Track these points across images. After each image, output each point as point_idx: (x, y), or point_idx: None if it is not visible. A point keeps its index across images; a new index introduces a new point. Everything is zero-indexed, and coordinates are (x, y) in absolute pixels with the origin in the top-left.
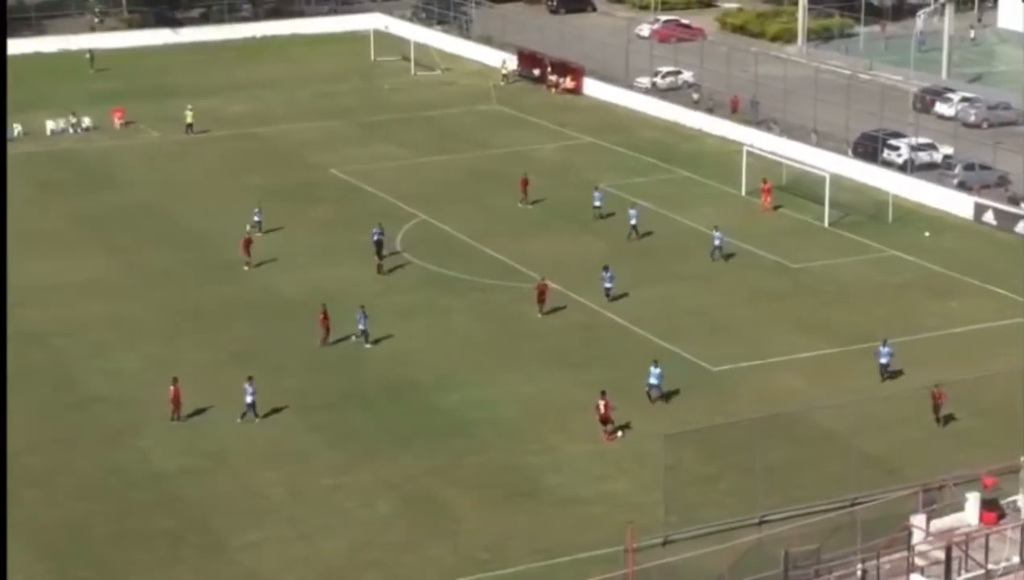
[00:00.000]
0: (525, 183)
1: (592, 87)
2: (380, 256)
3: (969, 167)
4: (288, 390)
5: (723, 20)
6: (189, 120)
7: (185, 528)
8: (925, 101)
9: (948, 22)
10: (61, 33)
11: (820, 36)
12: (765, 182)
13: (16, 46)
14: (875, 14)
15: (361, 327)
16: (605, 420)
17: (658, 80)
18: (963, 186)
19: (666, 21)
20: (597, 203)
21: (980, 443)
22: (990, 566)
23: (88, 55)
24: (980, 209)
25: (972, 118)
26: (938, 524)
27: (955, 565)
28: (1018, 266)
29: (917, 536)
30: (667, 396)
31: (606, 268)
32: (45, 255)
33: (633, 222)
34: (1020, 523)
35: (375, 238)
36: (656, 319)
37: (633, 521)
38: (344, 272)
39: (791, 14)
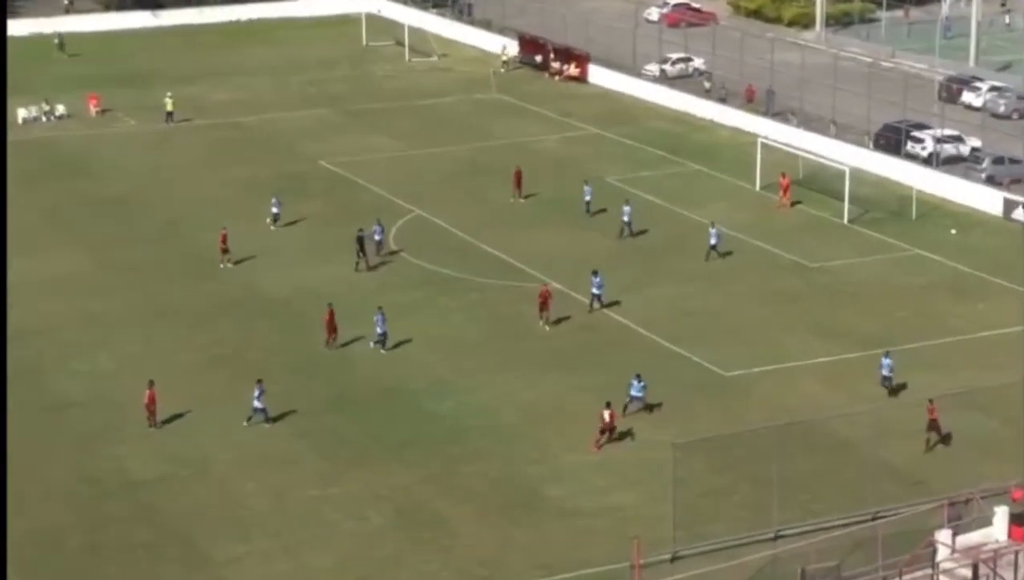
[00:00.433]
0: (518, 176)
1: (597, 74)
2: (361, 254)
3: (998, 160)
4: (272, 394)
5: (736, 4)
6: (169, 108)
7: (164, 541)
8: (951, 90)
9: (975, 7)
10: (33, 16)
11: (839, 21)
12: (783, 176)
13: None
14: None
15: (380, 330)
16: (605, 430)
17: (667, 67)
18: (991, 180)
19: (676, 5)
20: (587, 198)
21: (1009, 454)
22: None
23: (57, 39)
24: (1009, 205)
25: (1001, 108)
26: (964, 540)
27: None
28: None
29: (942, 552)
30: (650, 407)
31: (595, 273)
32: (15, 250)
33: (626, 219)
34: None
35: (377, 237)
36: (664, 321)
37: (639, 536)
38: (333, 270)
39: None
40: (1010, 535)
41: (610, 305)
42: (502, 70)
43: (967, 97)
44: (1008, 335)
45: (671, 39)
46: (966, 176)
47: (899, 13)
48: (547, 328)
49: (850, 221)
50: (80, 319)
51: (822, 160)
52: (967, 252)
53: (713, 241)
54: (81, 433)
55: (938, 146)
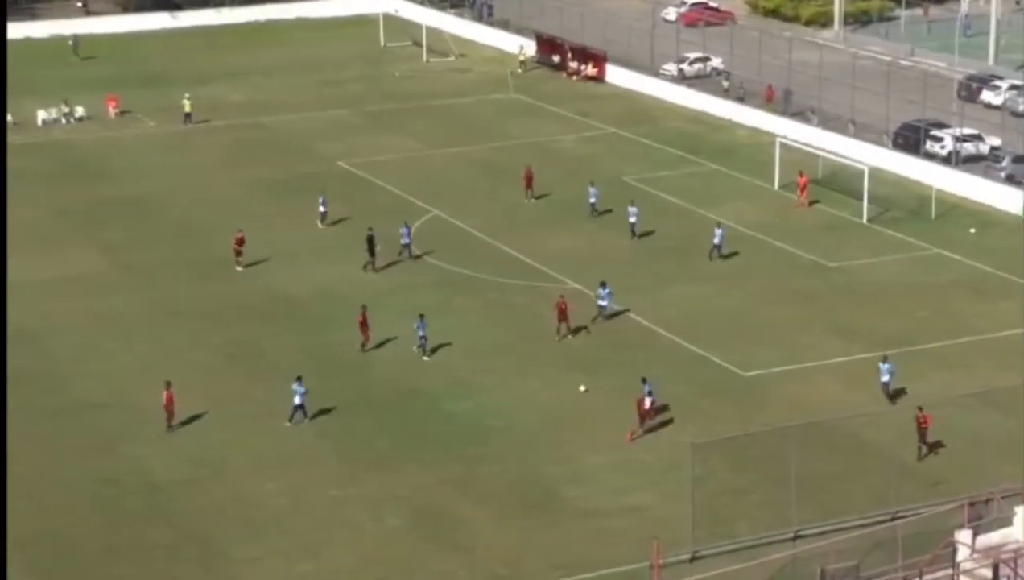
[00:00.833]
0: (529, 177)
1: (615, 74)
2: (371, 254)
3: (1018, 159)
4: (290, 394)
5: (754, 3)
6: (187, 109)
7: (182, 541)
8: (970, 89)
9: (995, 5)
10: (52, 18)
11: (858, 20)
12: (801, 175)
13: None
14: None
15: (421, 334)
16: (644, 417)
17: (685, 67)
18: (1011, 179)
19: (694, 4)
20: (592, 199)
21: None
22: None
23: (71, 41)
24: None
25: (1021, 107)
26: (984, 540)
27: None
28: None
29: (962, 553)
30: (661, 409)
31: (603, 284)
32: (33, 251)
33: (632, 221)
34: None
35: (404, 239)
36: (683, 321)
37: (659, 536)
38: (350, 270)
39: None
40: None
41: (619, 314)
42: (520, 70)
43: (986, 96)
44: None
45: (689, 39)
46: (985, 175)
47: (918, 11)
48: (570, 337)
49: (869, 220)
50: (97, 319)
51: (841, 159)
52: (986, 251)
53: (717, 241)
54: (99, 434)
55: (957, 145)
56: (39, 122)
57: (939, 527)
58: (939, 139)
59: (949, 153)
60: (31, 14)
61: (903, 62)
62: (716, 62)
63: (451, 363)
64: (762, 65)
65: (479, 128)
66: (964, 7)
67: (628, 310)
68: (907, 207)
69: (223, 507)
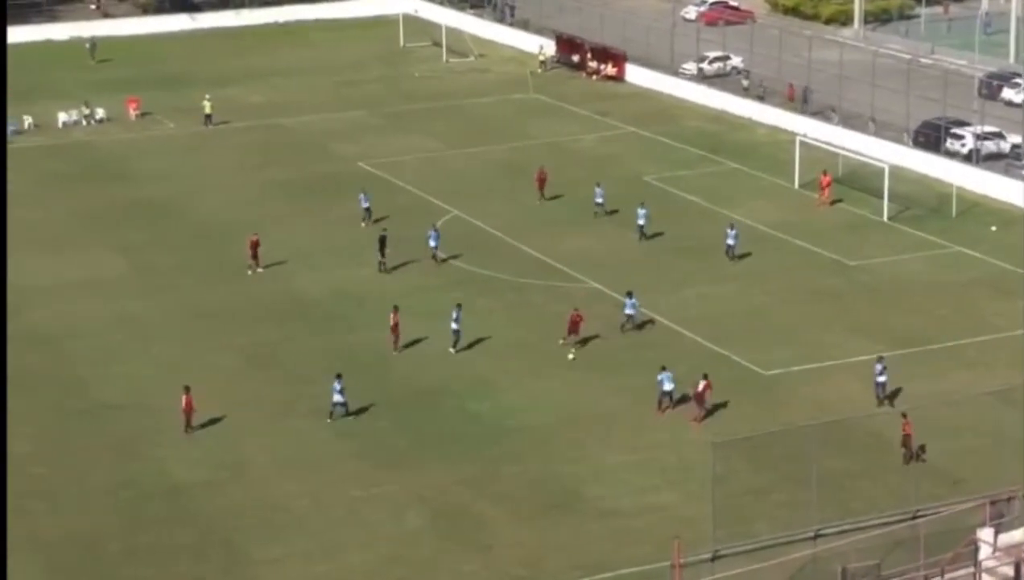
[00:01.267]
0: (542, 179)
1: (635, 74)
2: (382, 255)
3: None
4: (310, 396)
5: (774, 2)
6: (208, 111)
7: (204, 543)
8: (991, 87)
9: (1015, 2)
10: (72, 20)
11: (878, 18)
12: (825, 174)
13: (26, 33)
14: None
15: (455, 327)
16: (700, 401)
17: (705, 66)
18: None
19: (713, 3)
20: (599, 200)
21: None
22: None
23: (88, 45)
24: None
25: None
26: (1006, 538)
27: None
28: None
29: (984, 551)
30: (677, 403)
31: (630, 294)
32: (53, 253)
33: (641, 222)
34: None
35: (432, 242)
36: (703, 320)
37: (679, 535)
38: (370, 271)
39: None
40: None
41: (646, 324)
42: (539, 70)
43: (1007, 93)
44: None
45: (708, 37)
46: (1006, 173)
47: (938, 9)
48: (572, 352)
49: (890, 219)
50: (117, 322)
51: (861, 158)
52: (1007, 249)
53: (731, 241)
54: (119, 436)
55: (978, 143)
56: (60, 124)
57: (960, 525)
58: (960, 137)
59: (970, 151)
60: (51, 16)
61: (923, 60)
62: (736, 61)
63: (471, 363)
64: (782, 64)
65: (499, 128)
66: (984, 5)
67: (652, 321)
68: (928, 205)
69: (244, 508)
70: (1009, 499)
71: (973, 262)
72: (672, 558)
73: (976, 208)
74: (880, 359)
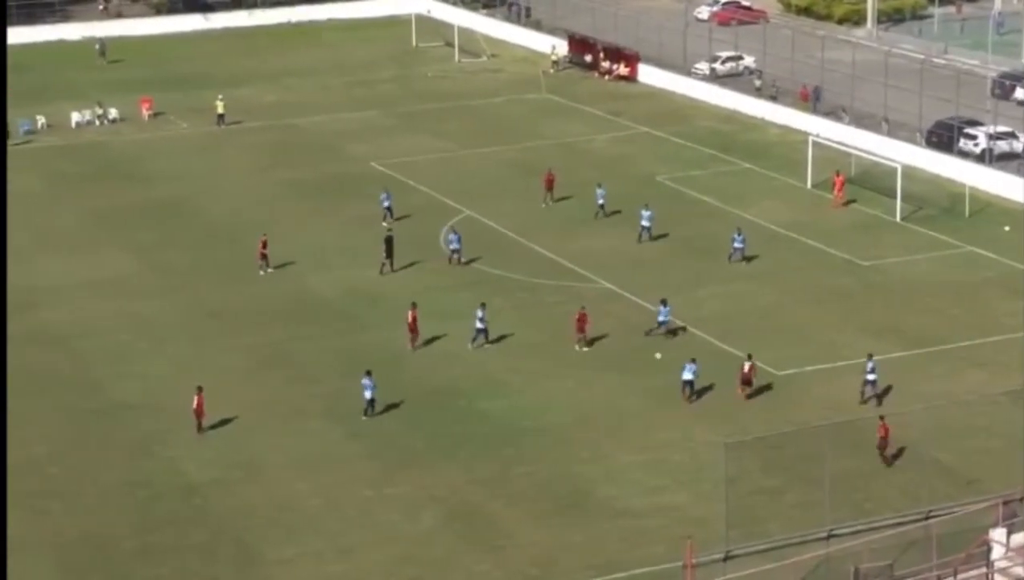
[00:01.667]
0: (550, 181)
1: (647, 74)
2: (388, 256)
3: None
4: (323, 395)
5: (787, 2)
6: (220, 111)
7: (217, 542)
8: (1004, 87)
9: None
10: (85, 20)
11: (891, 18)
12: (838, 174)
13: (39, 33)
14: None
15: (480, 326)
16: (746, 382)
17: (718, 66)
18: None
19: (726, 3)
20: (600, 201)
21: None
22: None
23: (97, 45)
24: None
25: None
26: (1019, 538)
27: None
28: None
29: (997, 551)
30: (700, 393)
31: (664, 302)
32: (66, 253)
33: (645, 224)
34: None
35: (454, 245)
36: (717, 320)
37: (692, 535)
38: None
39: None
40: None
41: (678, 331)
42: (552, 70)
43: (1020, 93)
44: None
45: (721, 37)
46: (1019, 173)
47: (951, 9)
48: (584, 349)
49: (902, 219)
50: (130, 322)
51: (874, 158)
52: (1020, 249)
53: (738, 245)
54: (133, 436)
55: (991, 143)
56: (73, 124)
57: (973, 526)
58: (972, 137)
59: (983, 151)
60: (64, 16)
61: (936, 60)
62: (748, 61)
63: (483, 363)
64: (795, 64)
65: (511, 128)
66: (997, 5)
67: (684, 328)
68: (940, 205)
69: (257, 508)
70: (1022, 499)
71: (986, 262)
72: (684, 558)
73: (989, 208)
74: (870, 357)
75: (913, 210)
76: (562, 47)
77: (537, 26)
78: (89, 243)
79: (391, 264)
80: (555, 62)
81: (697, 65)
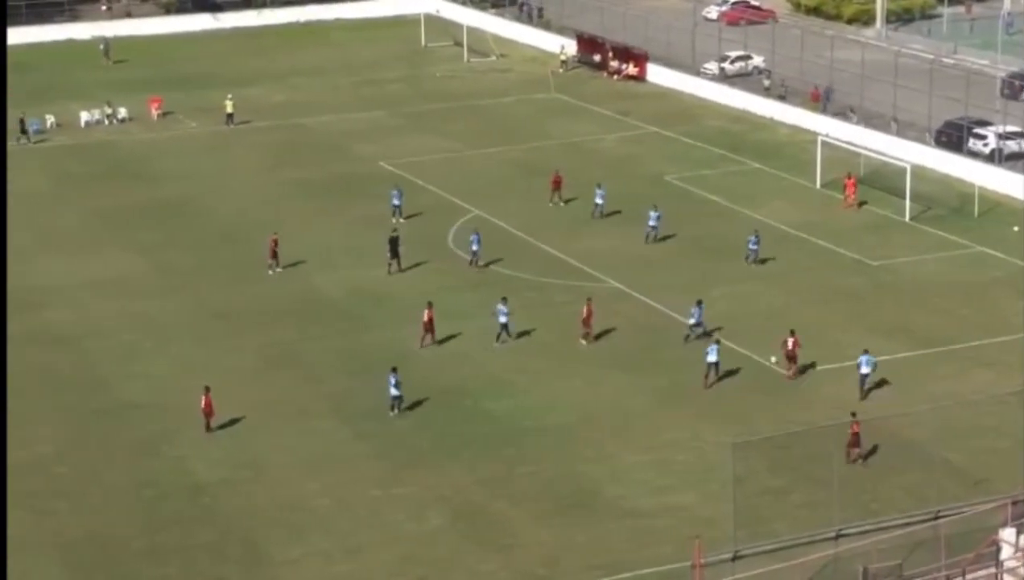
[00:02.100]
0: (557, 182)
1: (656, 73)
2: (394, 256)
3: None
4: (329, 395)
5: (796, 1)
6: (229, 110)
7: (224, 542)
8: (1013, 87)
9: None
10: (94, 19)
11: (900, 18)
12: (849, 177)
13: (49, 33)
14: None
15: (503, 321)
16: (791, 357)
17: (727, 65)
18: None
19: (735, 2)
20: (599, 201)
21: None
22: None
23: (101, 46)
24: None
25: None
26: None
27: None
28: None
29: (1006, 551)
30: (723, 376)
31: (699, 302)
32: (74, 253)
33: (653, 224)
34: None
35: (474, 246)
36: (725, 320)
37: (700, 535)
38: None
39: None
40: None
41: (709, 333)
42: (560, 70)
43: None
44: None
45: (730, 37)
46: None
47: (960, 9)
48: (586, 343)
49: (912, 219)
50: (137, 321)
51: (883, 158)
52: None
53: (752, 246)
54: (139, 436)
55: (1000, 143)
56: (82, 123)
57: (982, 526)
58: (982, 137)
59: (992, 151)
60: (73, 16)
61: (945, 60)
62: (758, 61)
63: (490, 363)
64: (804, 64)
65: (520, 128)
66: (1007, 5)
67: (720, 327)
68: (950, 205)
69: (264, 508)
70: None
71: (995, 262)
72: (692, 558)
73: (998, 208)
74: (865, 352)
75: (922, 210)
76: (571, 47)
77: (546, 26)
78: (96, 243)
79: (398, 264)
80: (564, 62)
81: (706, 65)
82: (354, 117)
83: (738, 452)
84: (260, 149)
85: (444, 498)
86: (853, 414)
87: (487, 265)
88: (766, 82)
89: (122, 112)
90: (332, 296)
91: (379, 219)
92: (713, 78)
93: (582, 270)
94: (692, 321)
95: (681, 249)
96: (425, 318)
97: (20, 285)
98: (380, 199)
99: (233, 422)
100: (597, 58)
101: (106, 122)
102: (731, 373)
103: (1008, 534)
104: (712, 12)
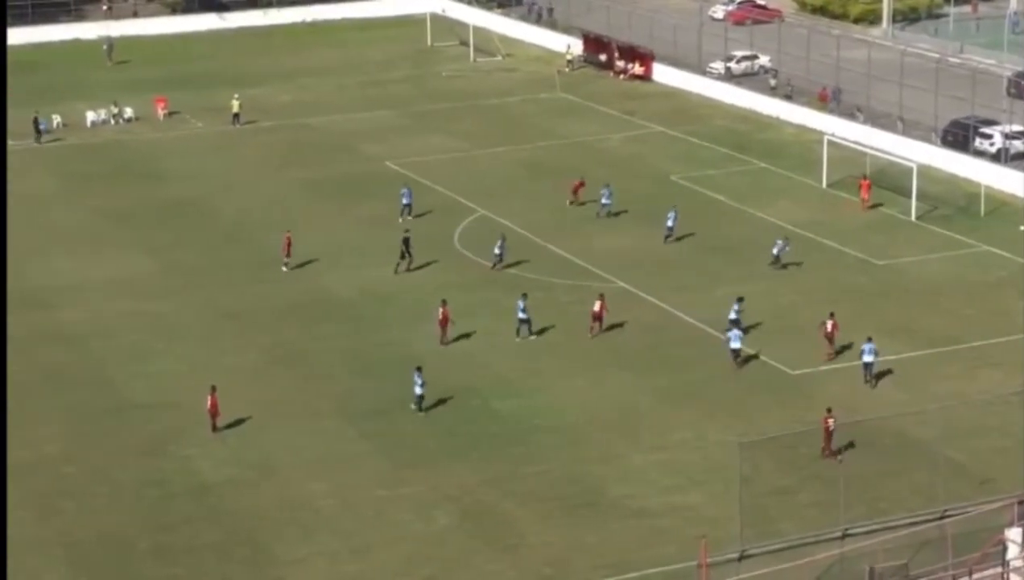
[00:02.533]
0: (577, 187)
1: (662, 73)
2: (406, 256)
3: None
4: (336, 394)
5: (802, 1)
6: (235, 110)
7: (231, 542)
8: (1020, 86)
9: None
10: (101, 19)
11: (906, 17)
12: (865, 178)
13: (55, 33)
14: None
15: (523, 316)
16: (830, 339)
17: (733, 65)
18: None
19: (741, 2)
20: (605, 201)
21: None
22: None
23: (105, 46)
24: None
25: None
26: None
27: None
28: None
29: (1012, 551)
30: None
31: (740, 299)
32: (82, 252)
33: (670, 224)
34: None
35: (497, 249)
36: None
37: (706, 535)
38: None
39: None
40: None
41: (746, 330)
42: (566, 69)
43: None
44: None
45: (736, 37)
46: None
47: (967, 8)
48: (592, 337)
49: (918, 218)
50: (145, 321)
51: (889, 157)
52: None
53: (776, 251)
54: (147, 435)
55: (1007, 142)
56: (88, 123)
57: (988, 525)
58: (988, 136)
59: (998, 150)
60: (79, 15)
61: (952, 59)
62: (764, 60)
63: (498, 362)
64: (810, 63)
65: (526, 127)
66: (1013, 4)
67: (760, 324)
68: (956, 205)
69: (271, 508)
70: None
71: (1001, 262)
72: (699, 558)
73: (1004, 207)
74: (869, 340)
75: (928, 209)
76: (577, 46)
77: (552, 25)
78: (103, 243)
79: (408, 264)
80: (570, 61)
81: (712, 64)
82: (360, 117)
83: (745, 452)
84: (266, 149)
85: (451, 498)
86: (828, 409)
87: (504, 266)
88: (772, 81)
89: (128, 112)
90: (340, 295)
91: (386, 219)
92: (719, 77)
93: (589, 270)
94: (732, 316)
95: (688, 249)
96: (440, 316)
97: (28, 285)
98: (387, 199)
99: (240, 422)
100: (603, 58)
101: (112, 122)
102: (751, 359)
103: (1014, 533)
104: (718, 12)
